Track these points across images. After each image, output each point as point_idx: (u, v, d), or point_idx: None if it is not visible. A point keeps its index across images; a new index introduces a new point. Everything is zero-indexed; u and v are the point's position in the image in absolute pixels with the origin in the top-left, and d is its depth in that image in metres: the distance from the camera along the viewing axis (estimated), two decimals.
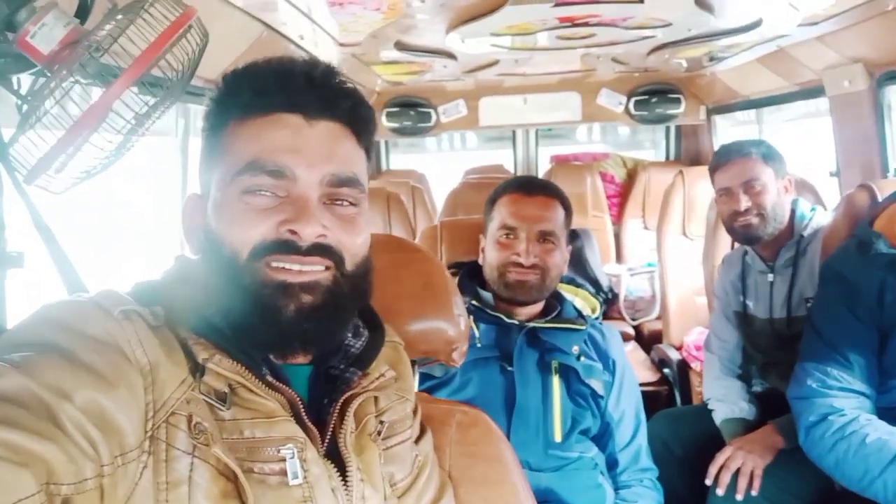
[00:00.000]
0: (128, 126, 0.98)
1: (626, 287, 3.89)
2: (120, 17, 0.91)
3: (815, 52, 2.44)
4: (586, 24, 2.05)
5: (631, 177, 4.42)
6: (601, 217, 4.24)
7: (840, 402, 1.50)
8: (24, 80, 1.01)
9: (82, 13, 0.99)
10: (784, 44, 2.51)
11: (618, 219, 4.37)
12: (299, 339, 0.80)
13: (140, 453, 0.68)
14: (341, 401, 0.83)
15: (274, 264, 0.77)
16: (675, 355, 3.10)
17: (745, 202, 2.00)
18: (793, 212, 2.07)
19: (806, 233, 2.03)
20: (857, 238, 1.59)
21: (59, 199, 1.01)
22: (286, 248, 0.77)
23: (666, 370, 3.15)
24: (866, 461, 1.40)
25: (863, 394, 1.50)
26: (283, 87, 0.81)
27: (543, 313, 1.65)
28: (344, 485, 0.79)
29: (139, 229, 2.31)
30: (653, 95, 4.00)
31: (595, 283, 3.30)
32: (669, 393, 3.09)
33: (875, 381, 1.50)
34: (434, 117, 4.00)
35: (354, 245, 0.82)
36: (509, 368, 1.55)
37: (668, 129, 4.57)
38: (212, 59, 1.14)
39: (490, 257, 1.62)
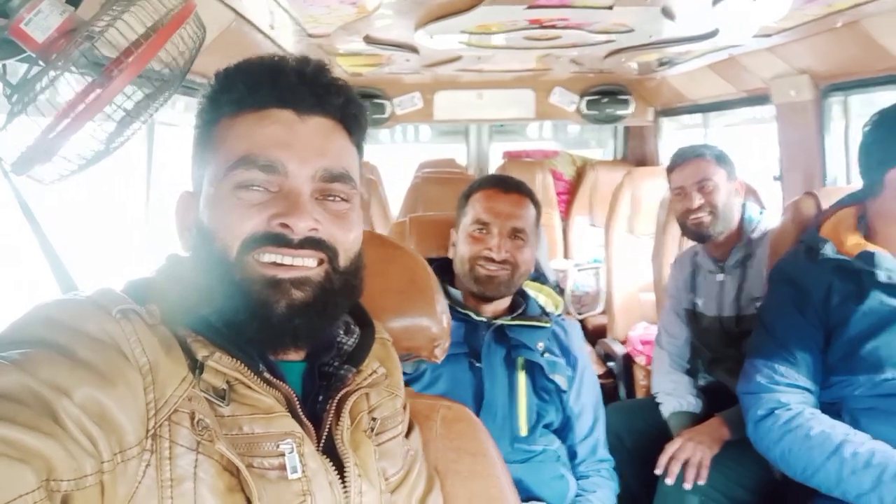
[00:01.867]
0: (120, 112, 0.97)
1: (573, 282, 3.99)
2: (117, 8, 0.89)
3: (764, 61, 2.55)
4: (553, 27, 2.10)
5: (579, 175, 4.52)
6: (550, 213, 4.33)
7: (787, 396, 1.59)
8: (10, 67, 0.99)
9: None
10: (735, 52, 2.62)
11: (566, 215, 4.48)
12: (290, 334, 0.81)
13: (141, 451, 0.68)
14: (338, 398, 0.85)
15: (265, 258, 0.78)
16: (620, 349, 3.19)
17: (698, 200, 2.11)
18: (742, 215, 2.18)
19: (755, 235, 2.14)
20: (805, 244, 1.68)
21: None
22: (277, 240, 0.78)
23: (611, 363, 3.24)
24: (811, 453, 1.49)
25: (808, 389, 1.59)
26: (275, 82, 0.81)
27: (509, 310, 1.69)
28: (340, 479, 0.81)
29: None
30: (604, 96, 4.10)
31: (543, 278, 3.38)
32: (614, 386, 3.19)
33: (819, 378, 1.59)
34: (389, 109, 4.00)
35: (347, 240, 0.84)
36: (478, 364, 1.58)
37: (615, 129, 4.69)
38: None
39: (462, 250, 1.65)
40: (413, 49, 2.54)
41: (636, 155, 4.51)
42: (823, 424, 1.52)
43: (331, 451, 0.82)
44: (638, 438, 2.15)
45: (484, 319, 1.63)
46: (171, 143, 2.18)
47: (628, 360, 3.12)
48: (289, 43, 2.22)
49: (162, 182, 2.11)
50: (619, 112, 4.14)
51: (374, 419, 0.91)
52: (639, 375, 3.04)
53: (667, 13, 1.96)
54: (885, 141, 1.55)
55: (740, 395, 1.69)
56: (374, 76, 3.54)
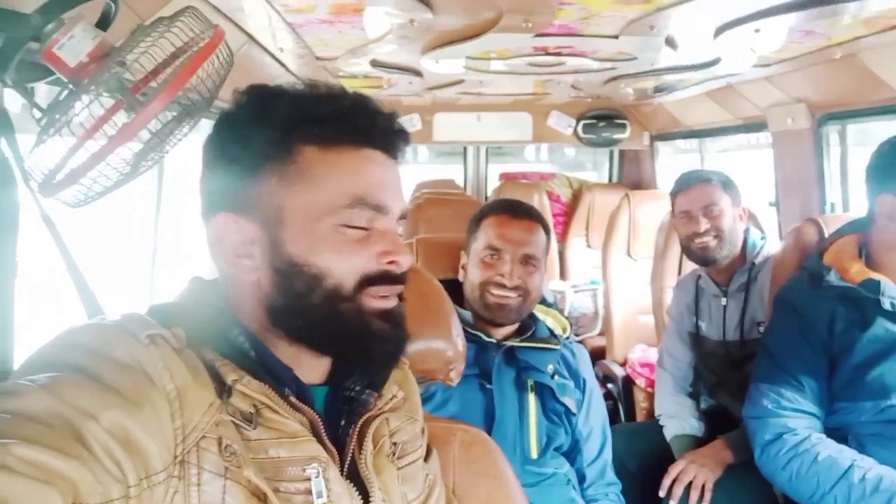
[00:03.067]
0: (147, 134, 0.98)
1: (570, 304, 4.00)
2: (152, 37, 0.91)
3: (761, 89, 2.60)
4: (559, 54, 2.13)
5: (576, 197, 4.55)
6: None
7: (793, 421, 1.60)
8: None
9: (103, 24, 0.98)
10: (733, 80, 2.67)
11: (562, 237, 4.50)
12: (397, 356, 0.88)
13: (167, 477, 0.68)
14: (360, 422, 0.86)
15: (374, 292, 0.82)
16: (619, 371, 3.20)
17: (704, 224, 2.14)
18: (745, 240, 2.21)
19: (757, 260, 2.17)
20: (808, 271, 1.71)
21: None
22: (388, 277, 0.82)
23: (610, 385, 3.25)
24: (818, 477, 1.50)
25: (813, 415, 1.61)
26: (373, 124, 0.83)
27: (518, 332, 1.70)
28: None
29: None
30: (600, 120, 4.14)
31: (544, 301, 3.39)
32: (614, 407, 3.19)
33: (824, 403, 1.61)
34: None
35: (405, 266, 0.88)
36: (488, 386, 1.59)
37: (611, 152, 4.73)
38: None
39: (472, 275, 1.66)
40: (418, 73, 2.57)
41: (632, 178, 4.55)
42: (830, 449, 1.53)
43: (354, 476, 0.82)
44: (640, 461, 2.16)
45: (494, 341, 1.64)
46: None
47: (628, 382, 3.12)
48: (296, 65, 2.24)
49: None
50: (616, 136, 4.19)
51: (394, 444, 0.91)
52: (639, 397, 3.04)
53: (670, 42, 2.00)
54: (876, 169, 1.59)
55: (746, 419, 1.70)
56: (374, 98, 3.58)
